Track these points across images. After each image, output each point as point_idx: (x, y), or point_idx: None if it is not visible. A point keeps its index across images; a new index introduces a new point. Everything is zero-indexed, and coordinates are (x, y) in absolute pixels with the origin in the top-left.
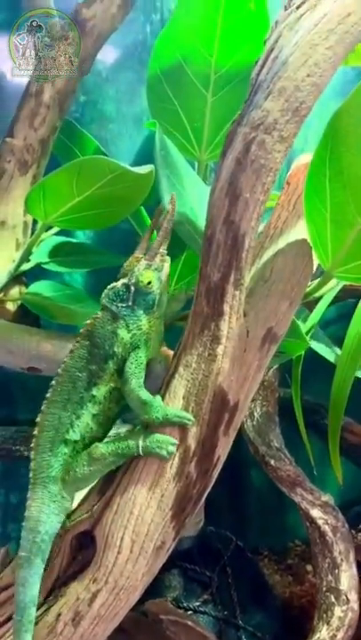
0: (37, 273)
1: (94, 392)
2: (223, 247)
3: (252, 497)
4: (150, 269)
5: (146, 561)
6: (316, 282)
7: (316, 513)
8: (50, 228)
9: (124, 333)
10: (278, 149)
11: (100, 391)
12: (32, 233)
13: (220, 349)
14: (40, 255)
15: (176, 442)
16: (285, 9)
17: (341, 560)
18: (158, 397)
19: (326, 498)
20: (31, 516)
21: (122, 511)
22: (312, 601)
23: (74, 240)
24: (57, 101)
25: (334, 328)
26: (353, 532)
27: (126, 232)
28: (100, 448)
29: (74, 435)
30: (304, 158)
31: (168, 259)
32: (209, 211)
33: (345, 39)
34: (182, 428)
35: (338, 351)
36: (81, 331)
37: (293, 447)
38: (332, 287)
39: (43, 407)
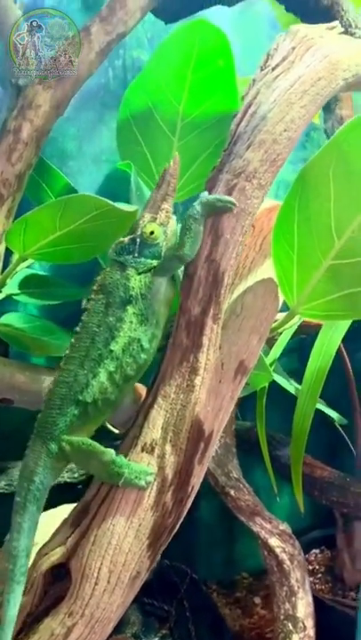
0: None
1: (112, 347)
2: (204, 283)
3: (201, 530)
4: (155, 222)
5: (122, 591)
6: (281, 318)
7: (274, 542)
8: (25, 260)
9: (135, 276)
10: (257, 196)
11: (119, 344)
12: (4, 265)
13: (197, 380)
14: (11, 287)
15: (154, 472)
16: (261, 69)
17: (298, 588)
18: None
19: (284, 526)
20: (27, 465)
21: (100, 541)
22: (261, 633)
23: (41, 272)
24: (34, 139)
25: (284, 361)
26: None
27: (91, 264)
28: (113, 456)
29: (87, 396)
30: (266, 203)
31: (174, 217)
32: None
33: (316, 100)
34: (160, 458)
35: (294, 383)
36: (93, 288)
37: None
38: (294, 323)
39: (60, 363)
